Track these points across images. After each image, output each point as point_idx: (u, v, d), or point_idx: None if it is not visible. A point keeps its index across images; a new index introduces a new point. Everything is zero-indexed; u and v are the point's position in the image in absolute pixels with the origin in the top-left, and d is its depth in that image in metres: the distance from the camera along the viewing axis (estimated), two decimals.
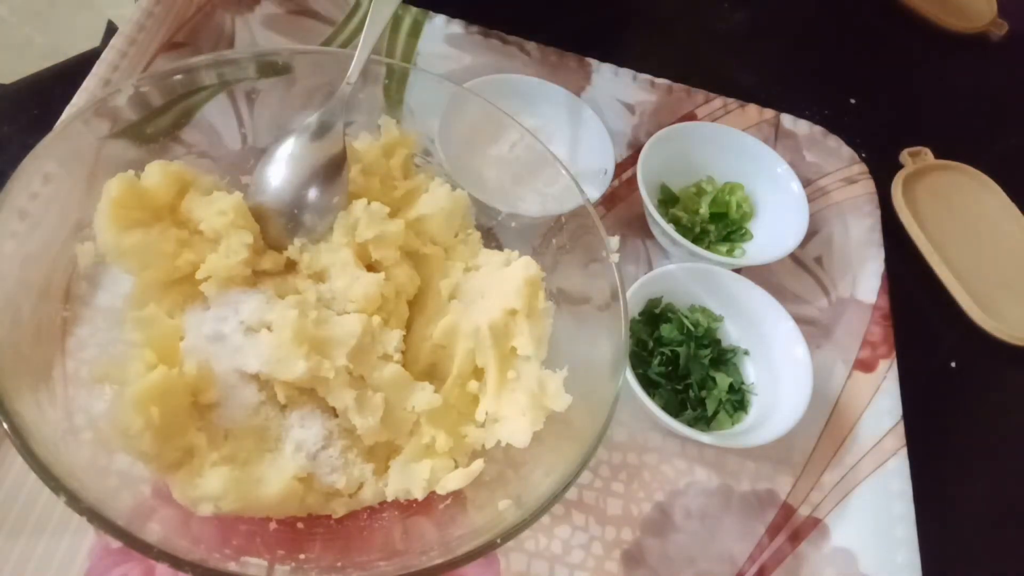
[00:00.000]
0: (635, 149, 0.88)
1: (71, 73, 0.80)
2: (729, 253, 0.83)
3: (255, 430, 0.57)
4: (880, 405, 0.79)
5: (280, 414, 0.58)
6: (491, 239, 0.72)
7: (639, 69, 0.98)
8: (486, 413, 0.61)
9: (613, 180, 0.80)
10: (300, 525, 0.57)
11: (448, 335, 0.62)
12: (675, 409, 0.71)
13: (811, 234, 0.89)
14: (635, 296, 0.74)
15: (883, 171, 0.99)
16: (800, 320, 0.75)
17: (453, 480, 0.58)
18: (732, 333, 0.77)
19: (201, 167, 0.65)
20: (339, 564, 0.55)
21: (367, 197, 0.65)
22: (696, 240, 0.82)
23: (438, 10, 0.96)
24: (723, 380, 0.72)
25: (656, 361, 0.73)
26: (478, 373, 0.62)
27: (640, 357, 0.73)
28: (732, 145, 0.87)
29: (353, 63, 0.63)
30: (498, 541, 0.50)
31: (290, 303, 0.58)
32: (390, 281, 0.63)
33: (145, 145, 0.65)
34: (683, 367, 0.73)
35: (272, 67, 0.70)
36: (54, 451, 0.48)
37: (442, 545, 0.54)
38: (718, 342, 0.76)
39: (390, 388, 0.58)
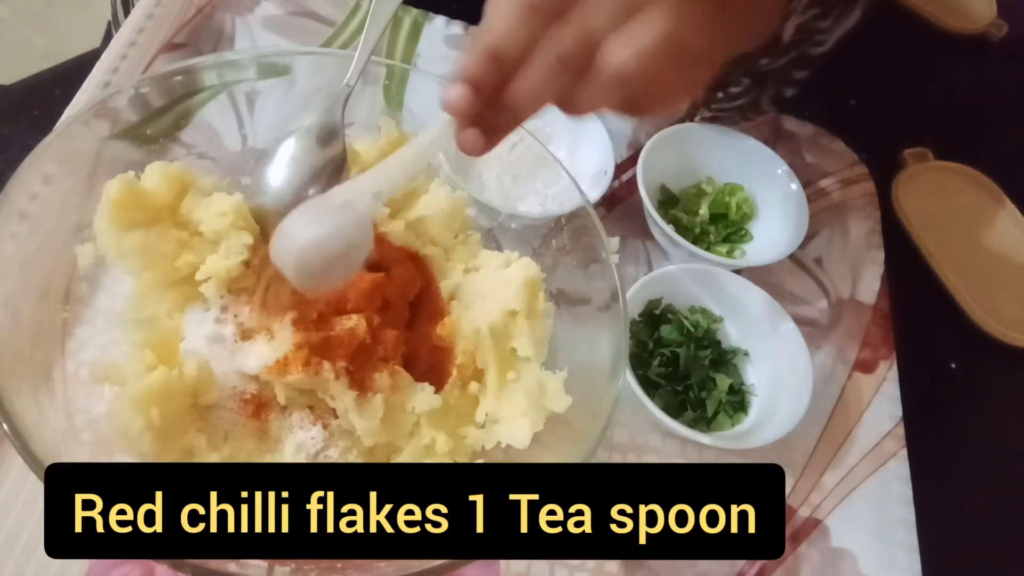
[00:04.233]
0: (635, 150, 0.88)
1: (71, 74, 0.80)
2: (729, 254, 0.83)
3: (255, 431, 0.57)
4: (880, 406, 0.79)
5: (280, 415, 0.58)
6: (491, 240, 0.72)
7: None
8: (486, 414, 0.61)
9: (613, 181, 0.79)
10: None
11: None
12: (675, 410, 0.71)
13: (811, 235, 0.89)
14: (635, 297, 0.74)
15: (883, 171, 0.99)
16: (800, 321, 0.75)
17: None
18: (732, 334, 0.77)
19: (201, 168, 0.65)
20: (339, 564, 0.54)
21: None
22: (696, 241, 0.82)
23: (438, 11, 0.96)
24: (723, 381, 0.72)
25: (656, 362, 0.73)
26: (478, 374, 0.62)
27: (640, 358, 0.73)
28: (732, 146, 0.87)
29: (353, 64, 0.63)
30: None
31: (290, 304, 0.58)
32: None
33: (145, 146, 0.65)
34: (683, 368, 0.73)
35: (272, 68, 0.70)
36: (54, 452, 0.48)
37: None
38: (718, 343, 0.76)
39: (390, 389, 0.58)
